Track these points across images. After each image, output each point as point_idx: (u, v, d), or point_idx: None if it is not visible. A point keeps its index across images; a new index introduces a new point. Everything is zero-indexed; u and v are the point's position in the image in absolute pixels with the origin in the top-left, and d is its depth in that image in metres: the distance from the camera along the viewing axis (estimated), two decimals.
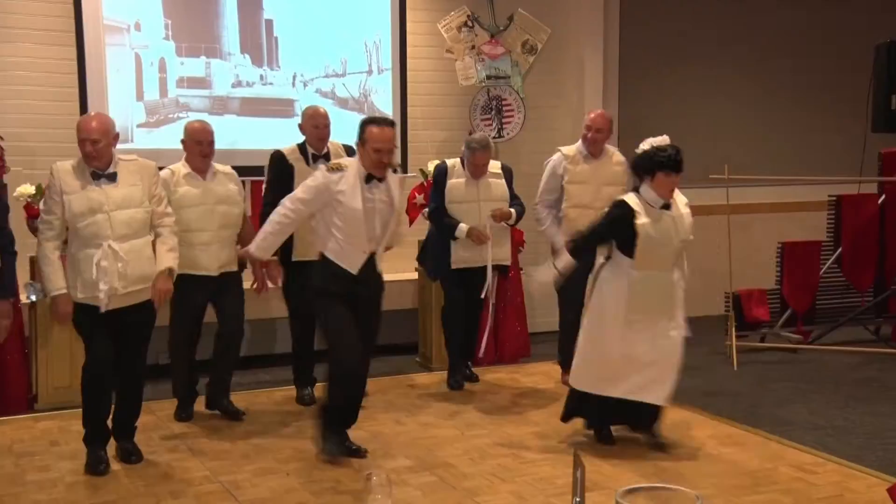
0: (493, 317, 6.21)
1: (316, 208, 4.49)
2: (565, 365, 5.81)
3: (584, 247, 4.72)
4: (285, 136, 6.60)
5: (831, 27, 8.68)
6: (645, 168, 4.57)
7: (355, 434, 4.80)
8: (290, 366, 5.85)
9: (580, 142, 5.81)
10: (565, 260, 4.73)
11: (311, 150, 5.46)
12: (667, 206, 4.58)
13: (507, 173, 5.94)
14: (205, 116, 6.38)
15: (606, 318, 4.64)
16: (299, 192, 4.53)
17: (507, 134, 7.51)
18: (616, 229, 4.61)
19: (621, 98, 7.89)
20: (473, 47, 7.41)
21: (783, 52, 8.57)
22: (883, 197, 7.44)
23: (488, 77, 7.44)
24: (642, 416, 4.78)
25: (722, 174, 6.76)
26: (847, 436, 5.08)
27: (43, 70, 6.22)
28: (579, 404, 4.84)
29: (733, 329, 6.81)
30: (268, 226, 4.59)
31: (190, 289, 5.00)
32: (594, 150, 5.79)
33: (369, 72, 7.02)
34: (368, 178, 4.44)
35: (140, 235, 4.38)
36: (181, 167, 5.12)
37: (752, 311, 7.13)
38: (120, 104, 6.30)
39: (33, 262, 5.58)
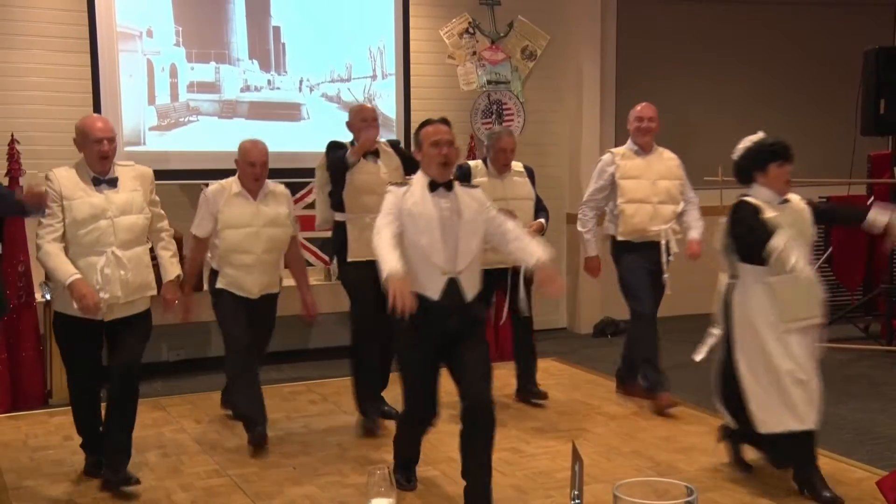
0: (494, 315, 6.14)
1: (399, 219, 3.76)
2: (627, 376, 5.59)
3: (759, 249, 3.93)
4: (293, 139, 6.63)
5: (822, 34, 8.67)
6: (755, 164, 4.05)
7: (355, 430, 4.78)
8: (295, 363, 5.79)
9: (629, 140, 5.54)
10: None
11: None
12: (785, 202, 4.07)
13: (530, 173, 5.65)
14: (214, 120, 6.42)
15: (760, 339, 3.98)
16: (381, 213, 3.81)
17: None
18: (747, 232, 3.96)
19: (618, 103, 7.87)
20: (475, 53, 7.40)
21: (776, 58, 8.56)
22: (872, 198, 7.42)
23: (489, 82, 7.43)
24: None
25: (716, 176, 6.75)
26: (838, 431, 5.06)
27: (57, 76, 6.22)
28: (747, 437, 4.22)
29: None
30: (383, 250, 3.62)
31: (233, 306, 4.71)
32: (646, 142, 5.47)
33: (373, 76, 7.01)
34: (433, 187, 3.80)
35: (140, 243, 4.17)
36: (233, 184, 4.75)
37: None
38: (132, 108, 6.31)
39: None
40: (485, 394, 3.71)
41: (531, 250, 3.79)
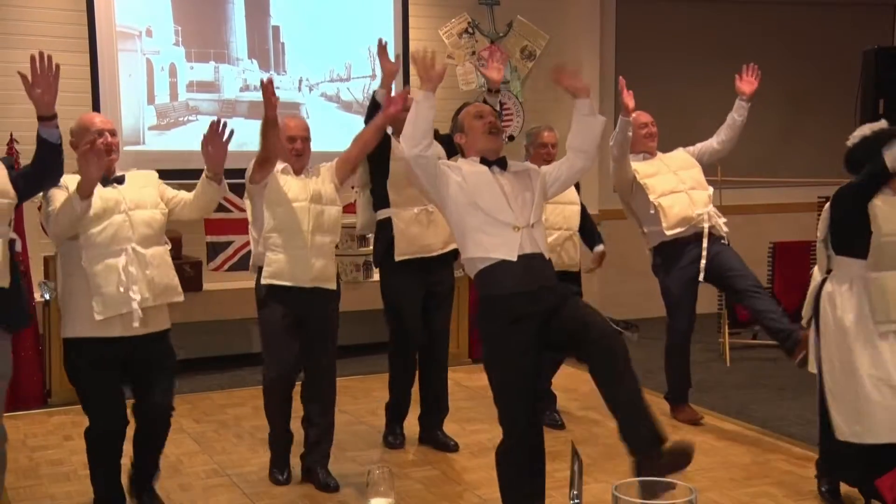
0: None
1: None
2: (676, 395, 5.17)
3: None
4: None
5: (820, 33, 8.67)
6: (870, 154, 3.61)
7: (354, 429, 4.78)
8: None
9: (631, 155, 5.26)
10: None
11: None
12: None
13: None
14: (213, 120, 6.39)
15: (847, 340, 3.63)
16: None
17: (507, 137, 7.49)
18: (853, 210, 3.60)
19: (618, 103, 7.80)
20: (474, 53, 7.40)
21: (775, 57, 8.54)
22: None
23: None
24: None
25: (715, 176, 6.75)
26: None
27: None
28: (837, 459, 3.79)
29: (726, 327, 6.80)
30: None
31: (280, 305, 4.07)
32: (653, 147, 5.30)
33: (373, 76, 7.01)
34: (486, 164, 3.45)
35: (161, 242, 3.75)
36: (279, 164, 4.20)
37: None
38: (132, 108, 6.31)
39: (47, 262, 5.59)
40: (608, 329, 3.29)
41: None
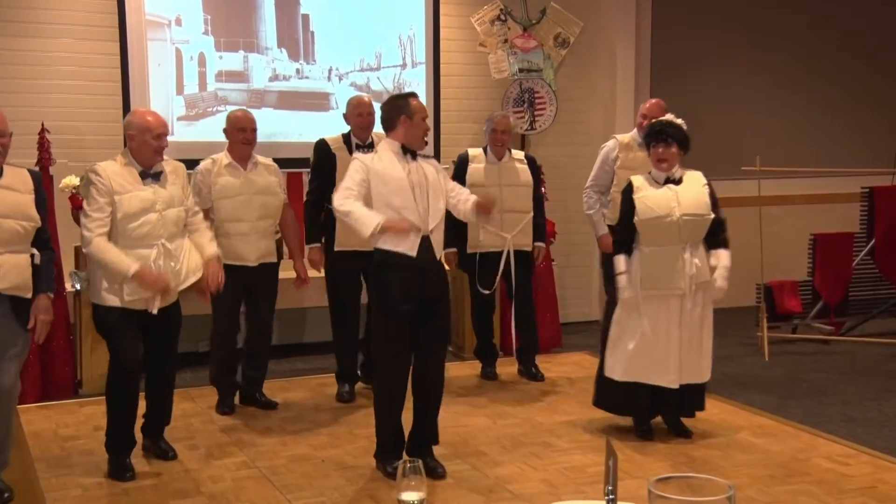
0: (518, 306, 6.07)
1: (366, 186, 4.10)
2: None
3: None
4: (321, 128, 6.61)
5: (863, 24, 8.52)
6: None
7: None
8: (323, 354, 5.86)
9: (635, 130, 5.61)
10: None
11: (355, 140, 5.38)
12: None
13: (532, 164, 5.84)
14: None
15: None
16: (345, 181, 4.12)
17: (540, 126, 7.47)
18: None
19: (653, 91, 7.79)
20: (506, 41, 7.36)
21: (815, 45, 8.43)
22: None
23: (521, 70, 7.39)
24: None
25: (754, 166, 6.68)
26: (880, 428, 5.00)
27: (86, 65, 6.27)
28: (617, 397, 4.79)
29: (765, 320, 6.73)
30: (361, 211, 4.01)
31: (229, 279, 4.89)
32: None
33: (403, 65, 7.00)
34: (405, 151, 4.15)
35: (183, 235, 4.34)
36: (223, 157, 5.08)
37: (783, 303, 7.03)
38: (161, 98, 6.35)
39: (77, 251, 5.65)
40: (439, 374, 4.25)
41: (464, 198, 4.29)
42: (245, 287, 5.12)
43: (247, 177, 5.05)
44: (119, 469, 4.28)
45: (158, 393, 4.49)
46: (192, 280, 4.34)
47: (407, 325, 4.12)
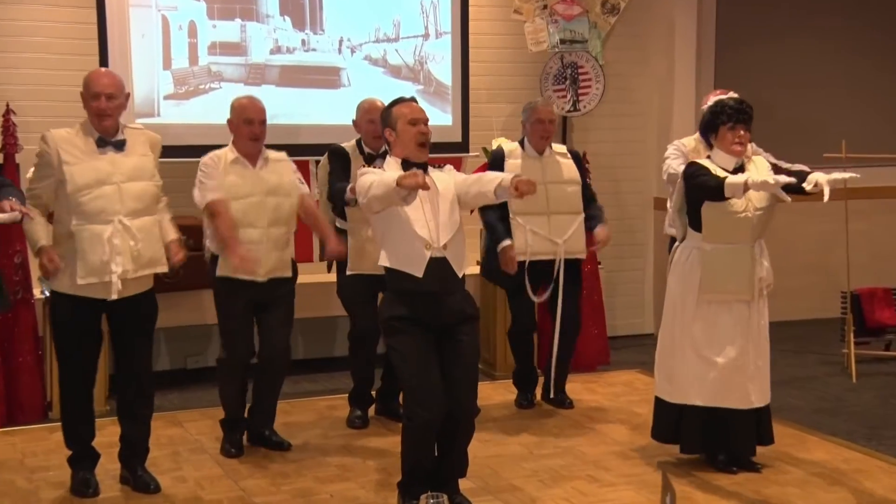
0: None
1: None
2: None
3: None
4: (330, 108, 6.65)
5: None
6: None
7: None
8: (330, 372, 5.84)
9: (697, 133, 5.29)
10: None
11: (367, 150, 5.42)
12: None
13: (577, 158, 5.82)
14: (240, 87, 6.45)
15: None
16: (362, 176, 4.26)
17: (584, 107, 7.43)
18: None
19: (718, 67, 7.76)
20: (545, 7, 7.34)
21: None
22: None
23: (562, 41, 7.35)
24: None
25: (838, 153, 6.61)
26: None
27: (59, 35, 6.30)
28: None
29: (851, 335, 6.67)
30: (380, 181, 4.07)
31: (236, 296, 4.89)
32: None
33: (426, 36, 6.99)
34: (407, 167, 4.18)
35: (150, 213, 4.36)
36: (227, 152, 4.94)
37: (874, 314, 6.95)
38: (145, 73, 6.37)
39: None
40: (470, 409, 4.24)
41: (490, 177, 4.23)
42: (256, 307, 5.00)
43: (257, 174, 4.93)
44: (81, 484, 4.43)
45: (131, 414, 4.47)
46: (158, 269, 4.39)
47: (432, 344, 4.16)
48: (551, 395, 5.84)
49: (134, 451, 4.54)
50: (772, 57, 8.00)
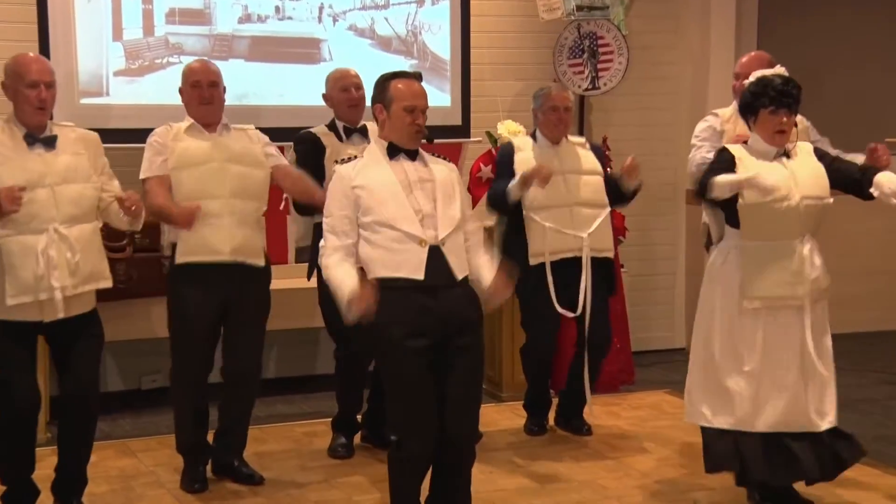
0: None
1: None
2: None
3: None
4: (310, 86, 6.55)
5: None
6: None
7: None
8: (308, 393, 5.81)
9: (734, 103, 5.29)
10: None
11: (341, 124, 5.41)
12: None
13: (598, 151, 5.80)
14: None
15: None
16: (326, 224, 4.23)
17: (605, 84, 7.40)
18: None
19: (761, 37, 7.75)
20: None
21: None
22: None
23: (579, 8, 7.33)
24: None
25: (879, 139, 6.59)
26: None
27: None
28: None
29: None
30: (334, 280, 4.14)
31: (196, 288, 4.79)
32: None
33: (420, 2, 6.95)
34: (393, 152, 4.19)
35: (89, 220, 4.32)
36: (183, 123, 4.95)
37: None
38: (91, 44, 6.31)
39: None
40: (470, 434, 4.26)
41: (484, 270, 4.26)
42: (222, 301, 4.88)
43: (217, 140, 4.90)
44: None
45: (73, 435, 4.43)
46: (101, 285, 4.36)
47: (425, 366, 4.06)
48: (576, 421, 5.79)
49: (70, 481, 4.49)
50: (823, 26, 8.01)
